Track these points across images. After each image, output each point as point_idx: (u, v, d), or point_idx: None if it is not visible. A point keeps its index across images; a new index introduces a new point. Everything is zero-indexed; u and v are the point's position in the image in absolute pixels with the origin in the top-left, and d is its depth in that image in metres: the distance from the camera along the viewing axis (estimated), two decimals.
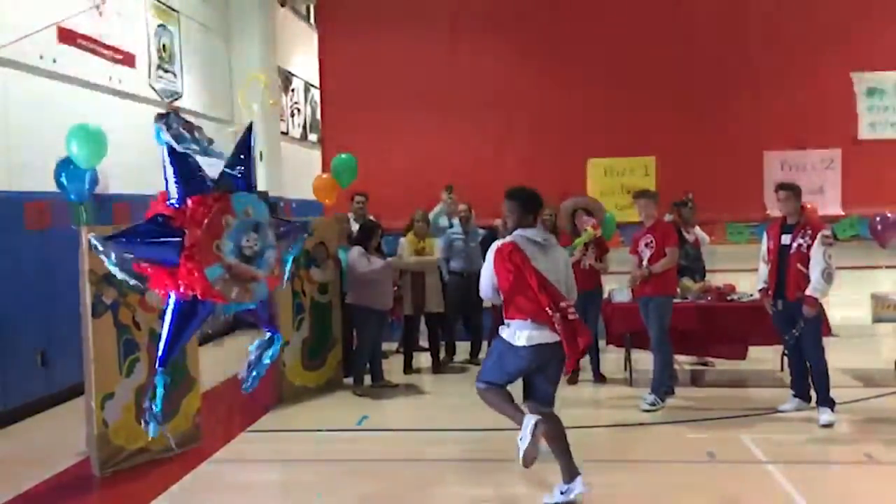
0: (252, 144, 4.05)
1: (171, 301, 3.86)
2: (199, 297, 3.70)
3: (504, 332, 4.58)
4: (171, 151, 3.82)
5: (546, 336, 4.44)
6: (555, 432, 4.61)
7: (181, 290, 3.72)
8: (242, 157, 4.00)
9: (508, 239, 4.60)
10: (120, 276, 3.78)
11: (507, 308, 4.55)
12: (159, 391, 3.99)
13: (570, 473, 4.60)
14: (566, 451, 4.63)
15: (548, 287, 4.42)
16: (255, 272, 3.85)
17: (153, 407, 3.99)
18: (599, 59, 10.45)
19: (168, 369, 3.97)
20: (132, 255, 3.73)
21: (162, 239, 3.69)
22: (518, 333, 4.48)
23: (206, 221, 3.65)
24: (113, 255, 3.70)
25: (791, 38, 10.30)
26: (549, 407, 4.64)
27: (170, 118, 3.87)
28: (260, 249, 3.82)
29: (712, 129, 10.29)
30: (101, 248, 3.72)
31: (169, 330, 3.88)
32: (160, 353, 3.93)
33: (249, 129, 4.10)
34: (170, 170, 3.84)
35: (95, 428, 5.31)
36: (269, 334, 4.31)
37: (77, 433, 5.72)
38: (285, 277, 4.29)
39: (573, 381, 7.63)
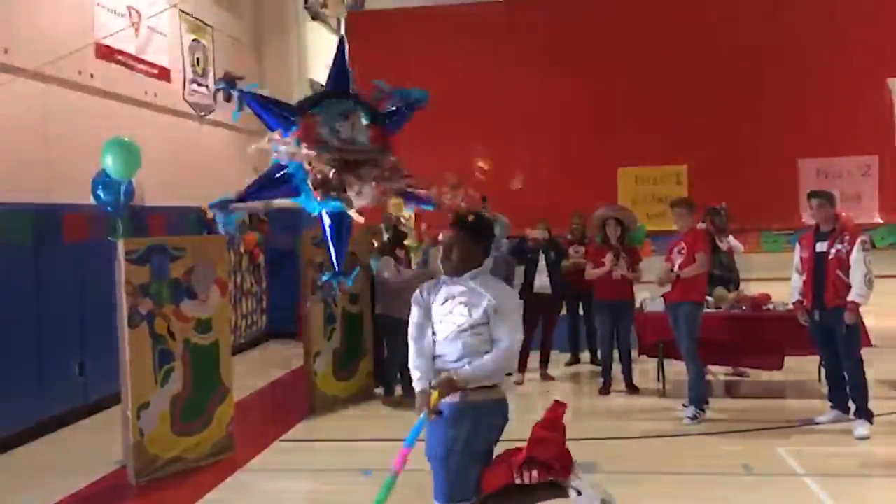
0: (345, 54, 4.57)
1: (324, 223, 4.34)
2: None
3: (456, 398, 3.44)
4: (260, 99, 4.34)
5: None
6: None
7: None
8: (337, 67, 4.54)
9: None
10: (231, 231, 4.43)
11: None
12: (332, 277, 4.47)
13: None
14: None
15: None
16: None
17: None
18: (630, 67, 10.40)
19: (344, 275, 4.48)
20: (267, 201, 4.51)
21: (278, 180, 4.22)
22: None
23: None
24: (222, 216, 4.28)
25: (826, 44, 10.15)
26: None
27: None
28: (352, 137, 4.22)
29: (745, 137, 10.15)
30: (214, 212, 4.33)
31: (328, 243, 4.34)
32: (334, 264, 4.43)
33: (341, 41, 4.59)
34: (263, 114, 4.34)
35: (131, 437, 5.40)
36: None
37: (113, 442, 5.82)
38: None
39: (605, 392, 7.57)
